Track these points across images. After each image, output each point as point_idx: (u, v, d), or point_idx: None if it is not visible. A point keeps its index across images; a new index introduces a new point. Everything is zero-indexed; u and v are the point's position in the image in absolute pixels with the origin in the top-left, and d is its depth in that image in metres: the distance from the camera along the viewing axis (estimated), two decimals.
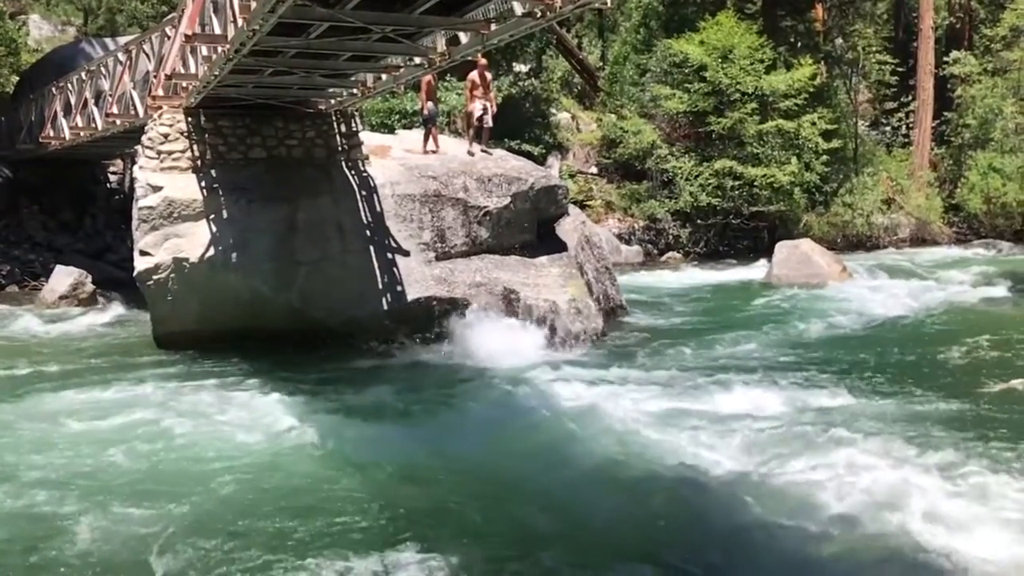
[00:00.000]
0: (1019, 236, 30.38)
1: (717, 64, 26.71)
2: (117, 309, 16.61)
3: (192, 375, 11.52)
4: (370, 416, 9.81)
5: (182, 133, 12.94)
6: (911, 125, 34.06)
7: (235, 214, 12.75)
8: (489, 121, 15.72)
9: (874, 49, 32.56)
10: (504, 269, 14.24)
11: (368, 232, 13.51)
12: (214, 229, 12.60)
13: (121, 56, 15.30)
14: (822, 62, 30.96)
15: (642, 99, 29.46)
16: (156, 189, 12.64)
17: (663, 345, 13.53)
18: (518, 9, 8.75)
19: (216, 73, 10.94)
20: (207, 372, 11.65)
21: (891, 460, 7.98)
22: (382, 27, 9.48)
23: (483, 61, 15.23)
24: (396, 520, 7.04)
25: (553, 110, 29.35)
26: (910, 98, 33.96)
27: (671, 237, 27.27)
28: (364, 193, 13.71)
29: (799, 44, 30.95)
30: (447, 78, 23.28)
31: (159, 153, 12.84)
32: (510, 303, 13.74)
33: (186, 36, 10.80)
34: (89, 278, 17.53)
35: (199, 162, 12.92)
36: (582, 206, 23.58)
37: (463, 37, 10.15)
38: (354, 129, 14.13)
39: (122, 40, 19.81)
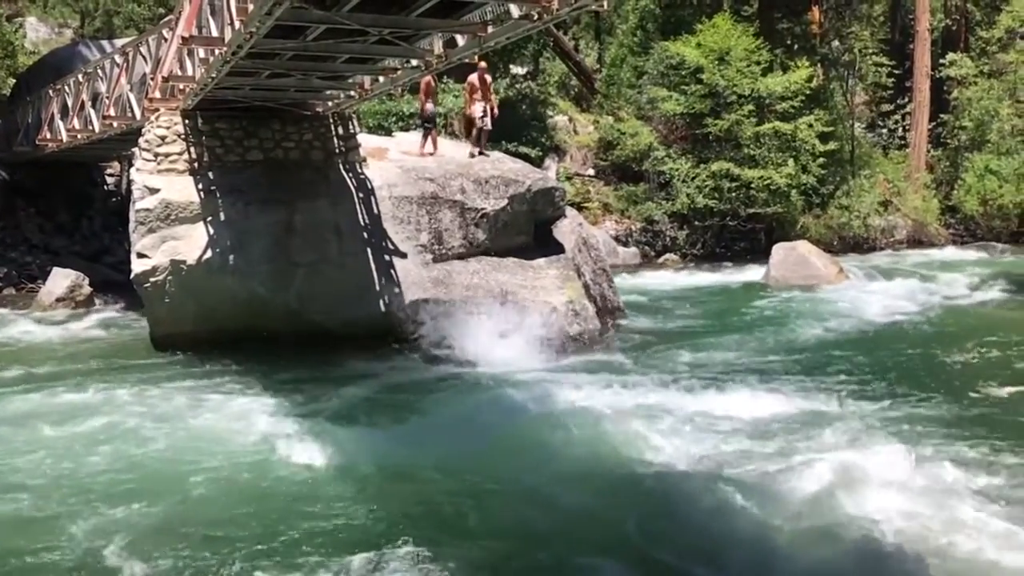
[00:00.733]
0: (1015, 238, 30.44)
1: (714, 66, 26.74)
2: (114, 311, 16.62)
3: (187, 377, 11.52)
4: (363, 418, 9.83)
5: (179, 135, 12.94)
6: (907, 127, 34.11)
7: (232, 216, 12.75)
8: (488, 124, 15.71)
9: (870, 51, 32.61)
10: (501, 271, 14.25)
11: (365, 234, 13.51)
12: (211, 231, 12.60)
13: (118, 58, 15.29)
14: (818, 64, 31.00)
15: (639, 101, 29.49)
16: (153, 191, 12.64)
17: (660, 347, 13.55)
18: (515, 12, 8.78)
19: (213, 75, 10.94)
20: (202, 374, 11.65)
21: (889, 463, 7.98)
22: (379, 29, 9.49)
23: (482, 64, 15.24)
24: (385, 521, 7.04)
25: (550, 112, 29.36)
26: (906, 100, 34.03)
27: (668, 239, 27.28)
28: (361, 195, 13.71)
29: (795, 46, 31.01)
30: (444, 80, 23.27)
31: (156, 155, 12.84)
32: (507, 305, 13.74)
33: (183, 38, 10.79)
34: (86, 280, 17.51)
35: (196, 164, 12.92)
36: (579, 208, 23.56)
37: (460, 39, 10.16)
38: (351, 131, 14.13)
39: (119, 42, 19.80)
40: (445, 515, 7.19)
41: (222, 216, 12.72)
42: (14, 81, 24.20)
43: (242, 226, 12.75)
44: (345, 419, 9.71)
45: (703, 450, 8.54)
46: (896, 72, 33.46)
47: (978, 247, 28.96)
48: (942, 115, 33.38)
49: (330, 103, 13.62)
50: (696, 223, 27.07)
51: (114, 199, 22.59)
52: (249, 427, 9.29)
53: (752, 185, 26.29)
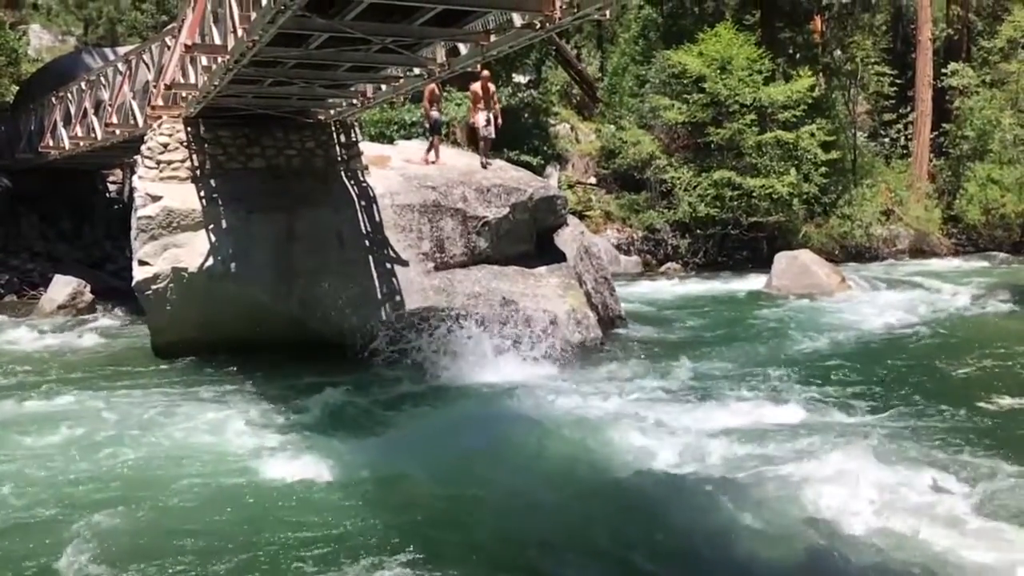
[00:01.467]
0: (1017, 247, 30.46)
1: (716, 75, 26.79)
2: (115, 319, 16.60)
3: (186, 385, 11.49)
4: (360, 428, 9.76)
5: (181, 143, 12.95)
6: (910, 136, 34.17)
7: (234, 224, 12.74)
8: (492, 132, 15.70)
9: (872, 61, 32.67)
10: (503, 279, 14.22)
11: (367, 242, 13.50)
12: (213, 239, 12.59)
13: (121, 66, 15.33)
14: (820, 73, 31.08)
15: (641, 110, 29.54)
16: (155, 199, 12.64)
17: (662, 356, 13.51)
18: (517, 21, 8.79)
19: (216, 83, 10.95)
20: (202, 382, 11.62)
21: (889, 474, 7.94)
22: (382, 38, 9.49)
23: (485, 73, 15.24)
24: (377, 532, 6.96)
25: (552, 121, 29.42)
26: (908, 109, 34.09)
27: (670, 247, 27.30)
28: (363, 203, 13.71)
29: (798, 55, 31.08)
30: (447, 88, 23.30)
31: (158, 163, 12.85)
32: (509, 313, 13.72)
33: (186, 46, 10.80)
34: (88, 288, 17.53)
35: (198, 172, 12.92)
36: (581, 216, 23.60)
37: (463, 48, 10.16)
38: (353, 139, 14.14)
39: (122, 50, 19.87)
40: (436, 525, 7.11)
41: (224, 223, 12.71)
42: (17, 88, 24.26)
43: (244, 234, 12.74)
44: (342, 429, 9.63)
45: (703, 461, 8.49)
46: (898, 81, 33.53)
47: (980, 257, 28.97)
48: (944, 124, 33.42)
49: (332, 111, 13.63)
50: (698, 232, 27.09)
51: (116, 206, 22.66)
52: (242, 437, 9.23)
53: (754, 194, 26.30)
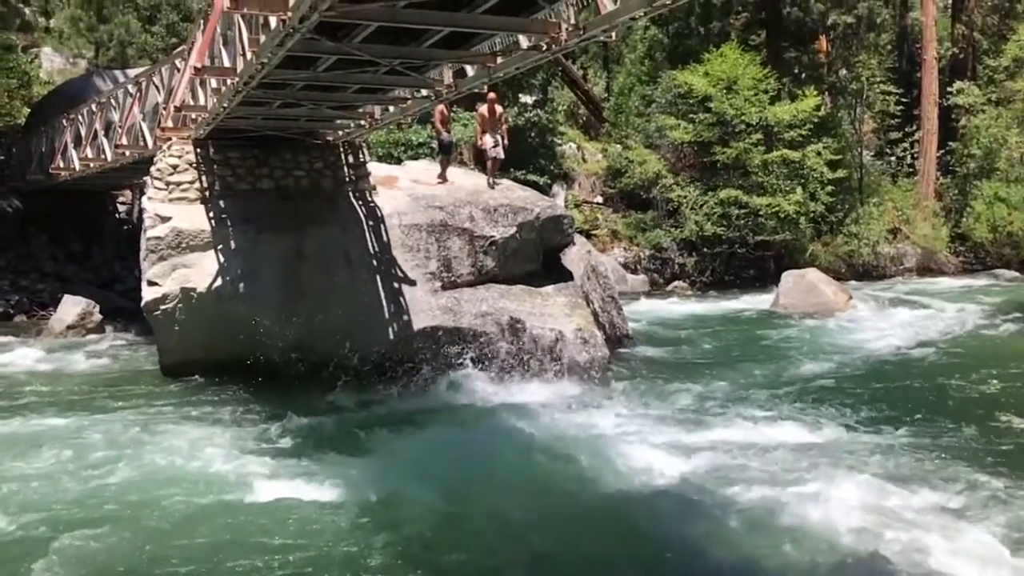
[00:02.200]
0: None
1: (722, 95, 26.87)
2: (124, 339, 16.65)
3: (192, 406, 11.51)
4: (363, 448, 9.76)
5: (191, 164, 13.03)
6: (916, 155, 34.14)
7: (243, 244, 12.80)
8: (501, 153, 15.71)
9: (878, 79, 32.69)
10: (510, 299, 14.24)
11: (375, 262, 13.54)
12: (222, 259, 12.65)
13: (131, 88, 15.44)
14: (826, 92, 31.15)
15: (647, 129, 29.62)
16: (164, 219, 12.71)
17: (669, 376, 13.50)
18: (524, 43, 8.87)
19: (225, 105, 11.03)
20: (206, 402, 11.66)
21: (900, 495, 7.96)
22: (390, 60, 9.56)
23: (492, 95, 15.27)
24: (377, 555, 6.95)
25: (558, 140, 29.49)
26: (914, 128, 34.08)
27: (677, 266, 27.29)
28: (371, 223, 13.76)
29: (803, 75, 31.19)
30: (454, 109, 23.40)
31: (168, 184, 12.92)
32: (516, 333, 13.73)
33: (196, 69, 10.88)
34: (97, 308, 17.58)
35: (207, 193, 12.99)
36: (588, 235, 23.65)
37: (470, 70, 10.23)
38: (361, 160, 14.22)
39: (132, 72, 19.98)
40: (433, 547, 7.12)
41: (232, 244, 12.77)
42: (29, 111, 24.45)
43: (252, 254, 12.80)
44: (344, 450, 9.61)
45: (709, 483, 8.48)
46: (904, 100, 33.52)
47: (988, 275, 28.89)
48: (950, 143, 33.41)
49: (340, 132, 13.71)
50: (705, 250, 27.08)
51: (125, 227, 22.75)
52: (241, 459, 9.23)
53: (760, 213, 26.32)
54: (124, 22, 34.45)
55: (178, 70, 12.80)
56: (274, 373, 12.31)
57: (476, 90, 11.94)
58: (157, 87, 14.23)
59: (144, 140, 14.56)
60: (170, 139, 13.11)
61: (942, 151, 33.43)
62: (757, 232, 26.59)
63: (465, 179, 16.12)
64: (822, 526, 7.27)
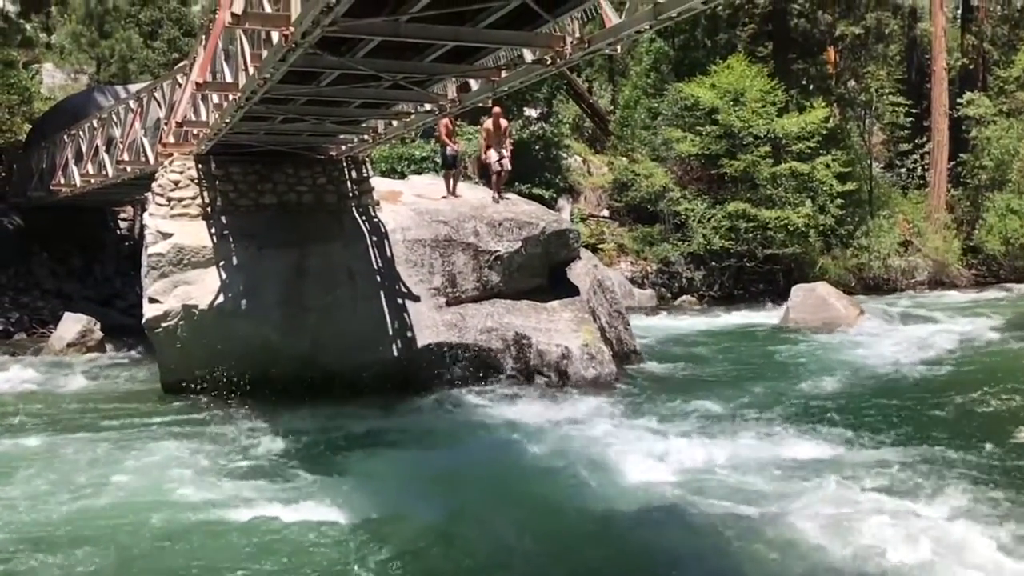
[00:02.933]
0: None
1: (729, 107, 26.71)
2: (125, 356, 16.51)
3: (194, 424, 11.30)
4: (368, 468, 9.52)
5: (192, 180, 12.91)
6: (926, 167, 33.97)
7: (245, 260, 12.66)
8: (507, 165, 15.57)
9: (887, 91, 32.54)
10: (515, 314, 14.06)
11: (379, 277, 13.40)
12: (224, 276, 12.51)
13: (132, 104, 15.36)
14: (835, 104, 30.98)
15: (654, 142, 29.45)
16: (166, 236, 12.59)
17: (678, 392, 13.28)
18: (528, 56, 8.75)
19: (227, 120, 10.91)
20: (210, 421, 11.46)
21: (909, 512, 7.83)
22: (393, 75, 9.44)
23: (496, 109, 15.18)
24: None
25: (564, 154, 29.37)
26: (925, 140, 33.91)
27: (684, 280, 27.07)
28: (375, 238, 13.63)
29: (811, 87, 31.02)
30: (458, 122, 23.30)
31: (169, 200, 12.81)
32: (521, 348, 13.55)
33: (197, 84, 10.79)
34: (98, 325, 17.43)
35: (209, 209, 12.87)
36: (594, 250, 23.44)
37: (474, 84, 10.12)
38: (365, 175, 14.08)
39: (134, 88, 19.91)
40: (431, 567, 6.96)
41: (235, 260, 12.64)
42: (30, 127, 24.39)
43: (255, 270, 12.66)
44: (348, 469, 9.42)
45: (717, 500, 8.32)
46: (913, 111, 33.37)
47: (1000, 288, 28.63)
48: (961, 154, 33.22)
49: (343, 147, 13.59)
50: (713, 264, 26.86)
51: (127, 243, 22.66)
52: (241, 477, 9.08)
53: (769, 226, 26.11)
54: (125, 37, 34.42)
55: (180, 85, 12.71)
56: (276, 390, 12.16)
57: (480, 104, 11.79)
58: (159, 102, 14.15)
59: (145, 156, 14.45)
60: (172, 155, 13.00)
61: (953, 163, 33.24)
62: (766, 245, 26.37)
63: (470, 193, 15.96)
64: (829, 544, 7.12)
